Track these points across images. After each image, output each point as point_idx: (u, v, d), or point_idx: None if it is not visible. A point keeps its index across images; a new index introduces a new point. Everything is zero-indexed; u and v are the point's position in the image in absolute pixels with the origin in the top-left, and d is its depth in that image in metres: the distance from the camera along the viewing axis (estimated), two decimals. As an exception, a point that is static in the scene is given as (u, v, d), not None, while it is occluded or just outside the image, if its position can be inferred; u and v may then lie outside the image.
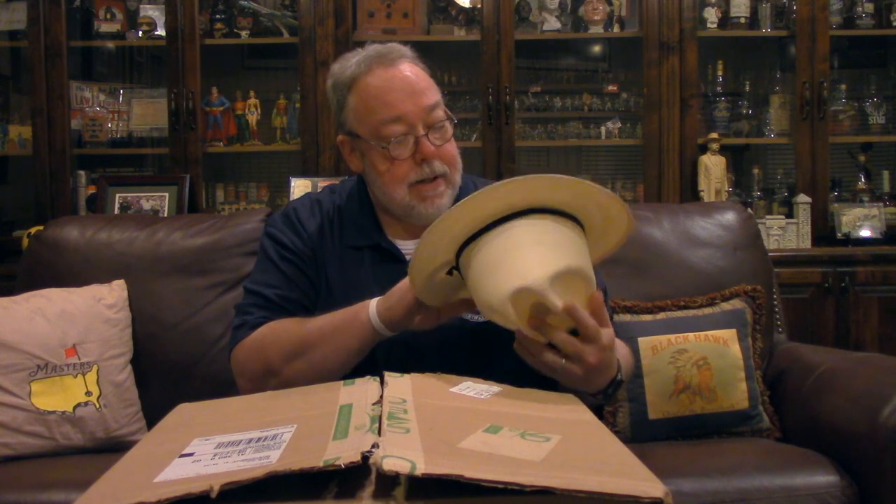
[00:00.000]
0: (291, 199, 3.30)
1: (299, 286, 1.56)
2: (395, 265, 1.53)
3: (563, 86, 3.87)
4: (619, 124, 3.65)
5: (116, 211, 3.34)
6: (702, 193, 3.35)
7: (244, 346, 1.51)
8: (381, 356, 1.45)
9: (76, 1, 3.61)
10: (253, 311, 1.54)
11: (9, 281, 2.35)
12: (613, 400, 1.99)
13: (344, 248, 1.57)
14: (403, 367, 1.20)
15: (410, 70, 1.51)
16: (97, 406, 1.97)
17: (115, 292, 2.11)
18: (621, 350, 1.44)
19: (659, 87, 3.42)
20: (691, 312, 2.06)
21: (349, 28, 3.43)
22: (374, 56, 1.51)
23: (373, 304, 1.39)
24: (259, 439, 0.88)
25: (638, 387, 1.98)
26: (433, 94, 1.51)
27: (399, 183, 1.50)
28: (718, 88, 3.62)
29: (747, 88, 3.70)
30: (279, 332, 1.48)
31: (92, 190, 3.47)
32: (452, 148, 1.52)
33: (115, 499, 0.79)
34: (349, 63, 1.53)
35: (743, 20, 3.53)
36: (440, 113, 1.50)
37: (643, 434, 1.97)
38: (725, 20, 3.55)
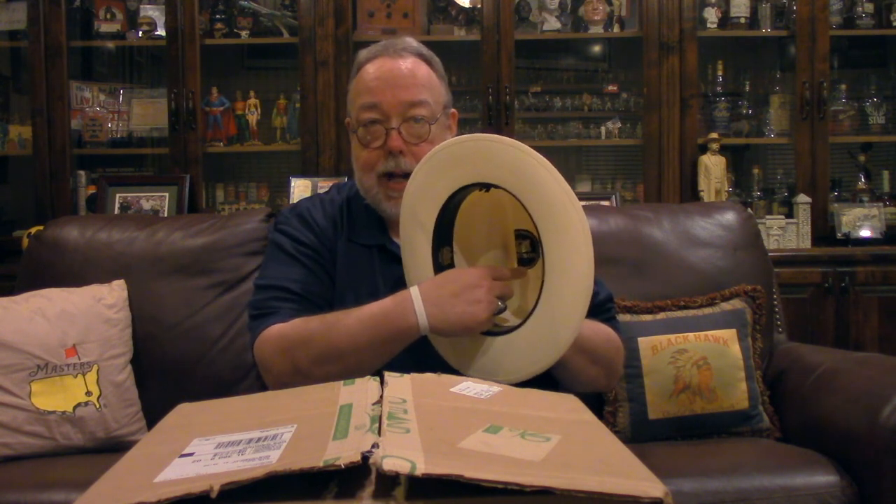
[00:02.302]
0: (291, 199, 3.31)
1: (321, 281, 1.54)
2: (399, 267, 1.53)
3: (563, 86, 3.87)
4: (619, 124, 3.65)
5: (116, 211, 3.34)
6: (702, 193, 3.35)
7: (269, 342, 1.44)
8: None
9: (76, 1, 3.61)
10: (278, 305, 1.48)
11: (9, 281, 2.35)
12: (613, 399, 1.99)
13: (354, 245, 1.57)
14: (410, 365, 1.21)
15: (409, 65, 1.51)
16: (97, 406, 1.97)
17: (115, 292, 2.11)
18: (598, 329, 1.49)
19: (659, 87, 3.42)
20: (691, 312, 2.06)
21: (349, 28, 3.43)
22: (383, 47, 1.54)
23: (421, 312, 1.34)
24: (259, 439, 0.88)
25: (638, 387, 1.98)
26: (422, 93, 1.50)
27: (368, 171, 1.52)
28: (718, 88, 3.62)
29: (747, 88, 3.70)
30: (305, 333, 1.40)
31: (92, 190, 3.48)
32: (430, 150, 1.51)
33: (115, 499, 0.79)
34: (366, 50, 1.57)
35: (743, 20, 3.53)
36: (422, 111, 1.49)
37: (643, 434, 1.97)
38: (725, 20, 3.55)
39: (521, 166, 1.27)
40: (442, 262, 1.41)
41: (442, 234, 1.41)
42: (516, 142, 1.28)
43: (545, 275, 1.27)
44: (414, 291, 1.35)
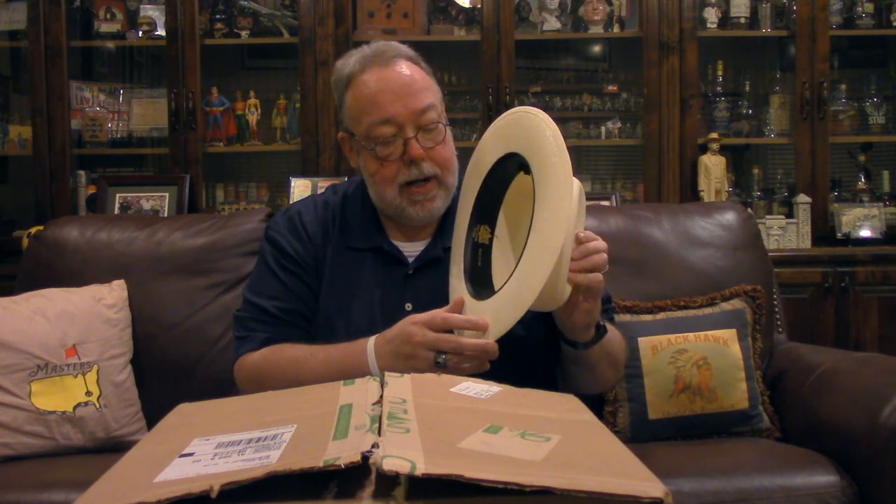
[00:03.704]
0: (291, 199, 3.31)
1: (299, 296, 1.56)
2: (397, 268, 1.53)
3: (563, 86, 3.87)
4: (619, 124, 3.65)
5: (116, 211, 3.34)
6: (702, 193, 3.35)
7: (245, 368, 1.53)
8: None
9: (76, 1, 3.61)
10: (254, 327, 1.55)
11: (9, 281, 2.35)
12: (613, 399, 1.99)
13: (345, 250, 1.56)
14: None
15: (407, 70, 1.49)
16: (97, 406, 1.97)
17: (115, 292, 2.11)
18: (615, 334, 1.52)
19: (659, 87, 3.42)
20: (691, 312, 2.06)
21: (349, 28, 3.43)
22: (371, 55, 1.51)
23: (374, 368, 1.37)
24: (259, 439, 0.88)
25: (638, 387, 1.98)
26: (427, 97, 1.49)
27: (389, 184, 1.49)
28: (718, 88, 3.62)
29: (747, 88, 3.70)
30: (275, 369, 1.48)
31: (92, 190, 3.47)
32: (446, 151, 1.50)
33: (114, 499, 0.79)
34: (349, 60, 1.53)
35: (743, 20, 3.53)
36: (433, 115, 1.48)
37: (643, 434, 1.97)
38: (725, 20, 3.55)
39: (535, 131, 1.30)
40: (476, 240, 1.41)
41: (482, 212, 1.41)
42: (534, 109, 1.32)
43: (527, 239, 1.28)
44: (369, 345, 1.38)
